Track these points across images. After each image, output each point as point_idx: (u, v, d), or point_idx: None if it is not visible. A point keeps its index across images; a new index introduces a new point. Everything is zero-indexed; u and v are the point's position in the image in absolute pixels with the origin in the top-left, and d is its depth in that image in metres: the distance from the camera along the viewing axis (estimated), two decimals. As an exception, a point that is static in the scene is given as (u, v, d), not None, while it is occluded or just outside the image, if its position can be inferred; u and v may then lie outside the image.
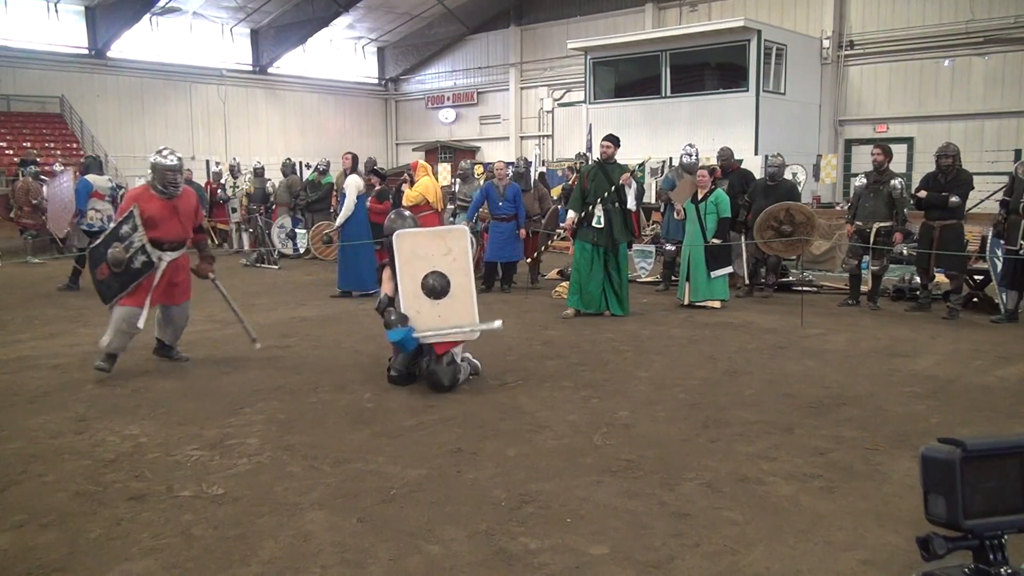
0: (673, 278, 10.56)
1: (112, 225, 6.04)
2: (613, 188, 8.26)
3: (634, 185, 8.40)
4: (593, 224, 8.29)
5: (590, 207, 8.30)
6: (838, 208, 14.35)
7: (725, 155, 10.63)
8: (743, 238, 9.79)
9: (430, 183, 11.02)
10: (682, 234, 9.95)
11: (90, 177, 10.50)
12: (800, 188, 12.30)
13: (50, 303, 9.59)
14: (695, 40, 18.49)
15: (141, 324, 5.90)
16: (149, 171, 6.01)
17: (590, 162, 14.23)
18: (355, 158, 10.42)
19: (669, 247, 10.34)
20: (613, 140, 8.57)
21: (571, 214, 8.51)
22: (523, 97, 26.81)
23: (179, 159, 6.12)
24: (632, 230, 8.65)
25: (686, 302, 8.92)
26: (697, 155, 10.69)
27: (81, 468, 4.11)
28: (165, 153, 6.04)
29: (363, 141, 27.76)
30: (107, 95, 24.00)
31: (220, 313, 8.86)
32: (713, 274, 8.84)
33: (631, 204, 8.41)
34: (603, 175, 8.38)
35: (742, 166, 11.50)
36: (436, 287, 5.49)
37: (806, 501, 3.64)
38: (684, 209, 9.20)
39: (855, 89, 19.82)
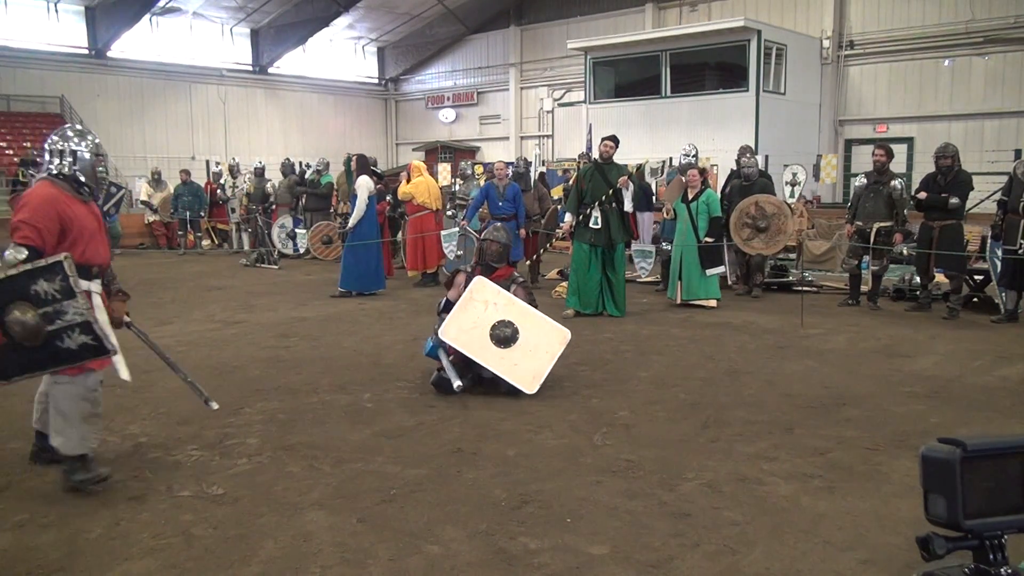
0: (672, 278, 10.58)
1: (14, 270, 3.63)
2: (611, 191, 8.28)
3: (631, 187, 8.43)
4: (591, 225, 8.32)
5: (588, 209, 8.32)
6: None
7: (747, 153, 10.60)
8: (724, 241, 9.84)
9: (423, 183, 11.04)
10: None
11: None
12: (800, 188, 12.28)
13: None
14: (695, 40, 18.47)
15: (125, 375, 4.25)
16: (49, 160, 4.03)
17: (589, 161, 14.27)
18: (362, 159, 10.41)
19: (666, 246, 10.35)
20: (615, 140, 8.60)
21: (568, 217, 8.56)
22: (523, 97, 26.78)
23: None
24: (630, 231, 8.68)
25: (679, 301, 8.95)
26: (696, 155, 10.67)
27: (81, 468, 4.10)
28: (85, 131, 4.20)
29: (363, 141, 27.73)
30: (107, 95, 23.96)
31: (220, 313, 8.87)
32: (707, 272, 8.88)
33: (628, 206, 8.43)
34: (600, 176, 8.39)
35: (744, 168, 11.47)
36: (503, 336, 5.44)
37: (806, 501, 3.65)
38: (675, 209, 9.23)
39: (855, 89, 19.80)
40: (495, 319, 5.48)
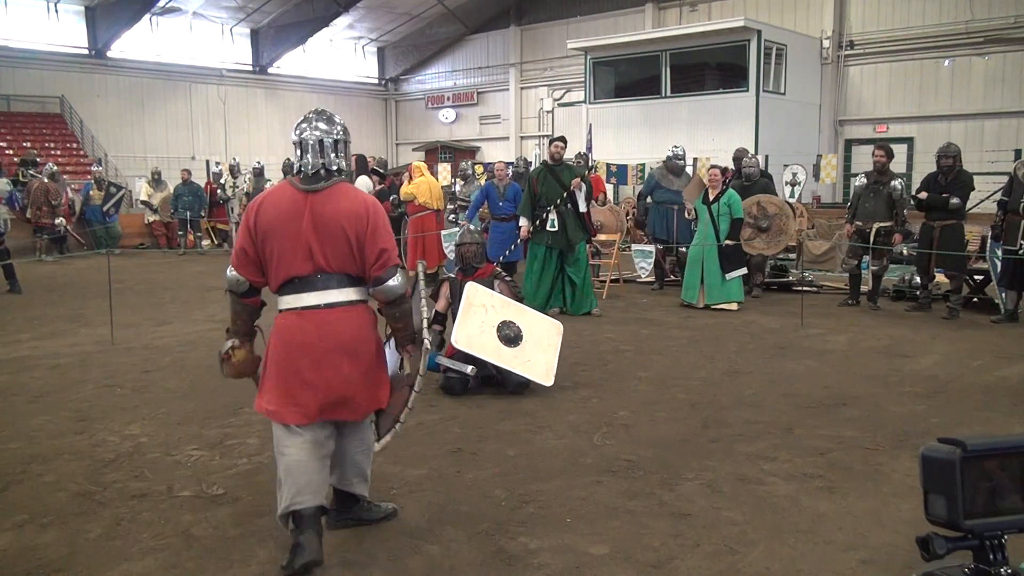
0: (669, 278, 10.56)
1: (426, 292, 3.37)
2: (565, 193, 8.29)
3: (584, 188, 8.47)
4: (547, 228, 8.35)
5: (544, 212, 8.35)
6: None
7: (741, 155, 10.61)
8: None
9: (424, 183, 11.04)
10: (667, 233, 10.04)
11: None
12: (800, 188, 12.29)
13: (50, 303, 9.59)
14: (695, 40, 18.48)
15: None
16: (336, 157, 3.16)
17: (588, 162, 14.27)
18: (361, 159, 10.38)
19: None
20: (564, 141, 8.71)
21: (524, 221, 8.58)
22: (523, 97, 26.78)
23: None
24: (588, 229, 8.69)
25: (700, 304, 8.85)
26: (684, 156, 10.69)
27: (81, 468, 4.11)
28: (328, 111, 3.32)
29: (363, 141, 27.71)
30: (107, 95, 23.96)
31: (220, 313, 8.86)
32: (728, 276, 8.80)
33: (583, 207, 8.45)
34: (553, 179, 8.43)
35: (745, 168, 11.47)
36: (510, 336, 5.49)
37: (806, 501, 3.65)
38: (696, 210, 9.11)
39: (855, 89, 19.81)
40: (498, 320, 5.51)
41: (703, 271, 8.85)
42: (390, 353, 3.36)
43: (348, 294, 3.12)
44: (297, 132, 3.16)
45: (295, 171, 3.16)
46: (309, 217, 3.05)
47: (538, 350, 5.53)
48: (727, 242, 8.78)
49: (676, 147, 10.68)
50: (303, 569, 2.93)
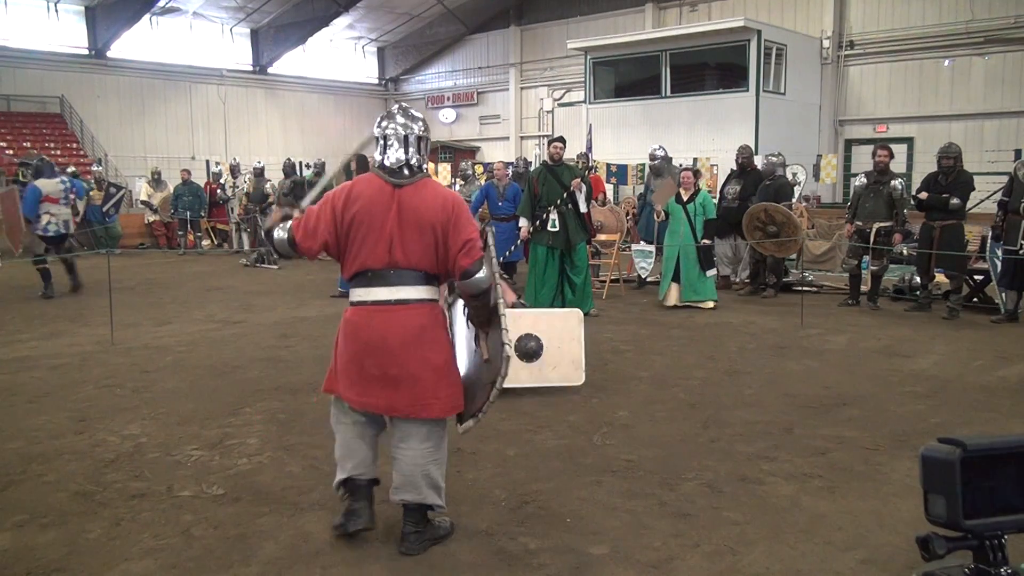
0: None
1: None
2: (565, 194, 8.29)
3: (584, 189, 8.47)
4: (548, 228, 8.35)
5: (544, 212, 8.35)
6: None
7: (745, 153, 10.64)
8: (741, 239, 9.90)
9: None
10: (647, 233, 10.06)
11: (40, 182, 10.15)
12: (800, 188, 12.29)
13: (50, 303, 9.59)
14: (695, 40, 18.48)
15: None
16: (426, 150, 3.28)
17: (588, 162, 14.27)
18: (362, 159, 10.36)
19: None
20: (563, 142, 8.71)
21: (524, 222, 8.58)
22: (523, 97, 26.78)
23: None
24: (588, 229, 8.69)
25: (672, 303, 8.91)
26: (665, 155, 10.69)
27: (81, 468, 4.11)
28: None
29: (363, 141, 27.73)
30: (107, 95, 23.97)
31: (220, 313, 8.87)
32: (708, 274, 8.89)
33: (583, 207, 8.45)
34: (554, 179, 8.41)
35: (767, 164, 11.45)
36: (530, 350, 5.40)
37: (806, 501, 3.65)
38: (668, 211, 9.16)
39: (855, 89, 19.81)
40: (514, 337, 5.44)
41: (678, 270, 8.90)
42: (467, 349, 3.44)
43: (419, 292, 3.17)
44: (380, 127, 3.23)
45: (378, 165, 3.22)
46: (396, 210, 3.12)
47: (560, 352, 5.45)
48: (704, 241, 8.87)
49: (655, 148, 10.71)
50: (356, 533, 3.23)
